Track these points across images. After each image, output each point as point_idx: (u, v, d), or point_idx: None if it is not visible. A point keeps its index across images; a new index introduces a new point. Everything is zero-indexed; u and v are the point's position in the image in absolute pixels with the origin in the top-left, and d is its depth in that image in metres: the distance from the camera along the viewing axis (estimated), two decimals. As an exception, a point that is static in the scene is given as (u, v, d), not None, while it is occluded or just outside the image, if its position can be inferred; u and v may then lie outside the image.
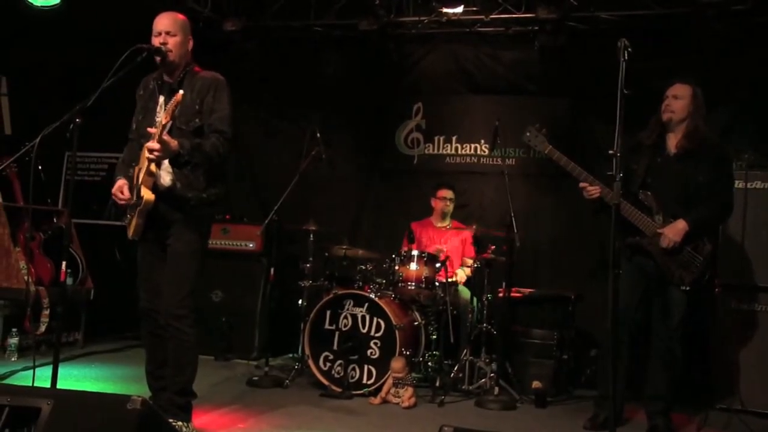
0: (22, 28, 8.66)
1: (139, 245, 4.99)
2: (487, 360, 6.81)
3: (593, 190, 5.46)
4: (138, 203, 4.68)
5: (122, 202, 4.81)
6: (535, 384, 6.69)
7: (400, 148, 8.93)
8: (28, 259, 7.37)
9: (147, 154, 4.51)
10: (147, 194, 4.64)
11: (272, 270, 7.39)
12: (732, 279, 6.49)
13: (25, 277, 7.17)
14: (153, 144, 4.43)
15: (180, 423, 4.72)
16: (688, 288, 5.38)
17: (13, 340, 7.11)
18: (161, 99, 4.87)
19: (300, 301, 7.28)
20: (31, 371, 4.72)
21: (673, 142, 5.55)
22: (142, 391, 4.97)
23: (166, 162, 4.64)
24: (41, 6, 7.70)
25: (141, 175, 4.68)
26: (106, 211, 9.38)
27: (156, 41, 4.77)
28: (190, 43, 4.92)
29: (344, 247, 7.30)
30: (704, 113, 5.59)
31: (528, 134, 5.79)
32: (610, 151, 4.42)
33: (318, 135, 7.34)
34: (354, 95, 8.98)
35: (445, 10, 7.96)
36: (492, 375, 6.61)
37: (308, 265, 7.30)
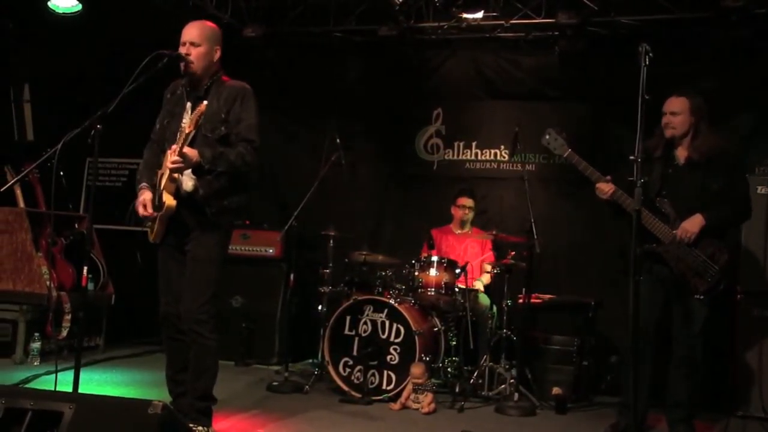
0: (44, 34, 8.73)
1: (159, 249, 5.01)
2: (507, 366, 6.79)
3: (606, 188, 5.44)
4: (159, 209, 4.72)
5: (145, 213, 4.84)
6: (555, 390, 6.66)
7: (419, 154, 8.93)
8: (50, 265, 7.41)
9: (169, 165, 4.56)
10: (169, 200, 4.68)
11: (292, 275, 7.41)
12: (753, 286, 6.45)
13: (47, 282, 7.22)
14: (174, 157, 4.50)
15: (201, 428, 4.74)
16: (702, 296, 5.33)
17: (36, 345, 7.16)
18: (188, 105, 4.88)
19: (320, 307, 7.28)
20: (53, 376, 4.74)
21: (682, 153, 5.51)
22: (163, 395, 4.98)
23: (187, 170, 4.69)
24: (63, 13, 7.76)
25: (163, 181, 4.72)
26: (127, 216, 9.43)
27: (180, 51, 4.79)
28: (218, 53, 4.90)
29: (364, 252, 7.30)
30: (708, 120, 5.52)
31: (547, 137, 5.77)
32: (631, 157, 4.40)
33: (338, 141, 7.34)
34: (374, 101, 8.99)
35: (464, 15, 7.95)
36: (512, 381, 6.59)
37: (328, 271, 7.31)
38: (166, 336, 5.04)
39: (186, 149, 4.52)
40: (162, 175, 4.79)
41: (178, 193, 4.74)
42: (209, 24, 4.97)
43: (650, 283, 5.39)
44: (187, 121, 4.73)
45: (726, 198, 5.39)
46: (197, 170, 4.66)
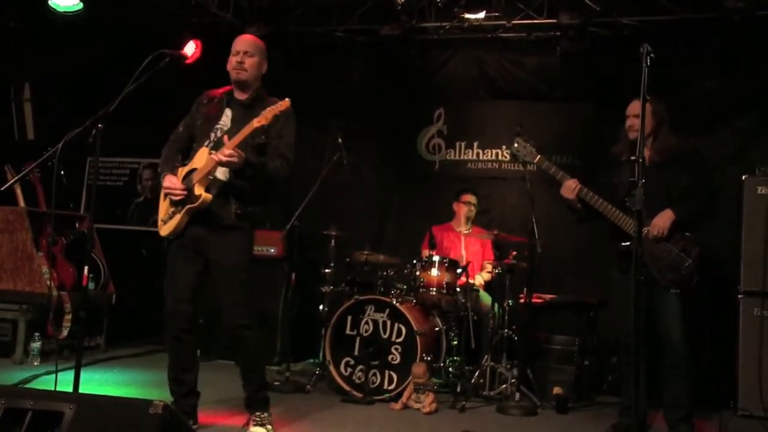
0: (45, 33, 8.73)
1: (171, 246, 5.04)
2: (508, 366, 6.78)
3: (573, 184, 5.55)
4: (193, 200, 4.78)
5: (178, 196, 4.86)
6: (557, 390, 6.66)
7: (421, 154, 8.94)
8: (50, 264, 7.42)
9: (221, 157, 4.62)
10: (204, 194, 4.77)
11: (293, 275, 7.42)
12: (753, 286, 6.45)
13: (48, 282, 7.22)
14: (232, 151, 4.61)
15: (265, 414, 5.04)
16: (678, 291, 5.38)
17: (36, 345, 7.15)
18: (228, 111, 5.01)
19: (321, 307, 7.28)
20: (54, 375, 4.74)
21: (646, 155, 5.55)
22: (164, 395, 4.97)
23: (224, 169, 4.78)
24: (64, 12, 7.76)
25: (198, 176, 4.79)
26: (128, 216, 9.44)
27: (233, 60, 4.96)
28: (264, 67, 5.10)
29: (365, 252, 7.30)
30: (669, 122, 5.59)
31: (516, 144, 5.84)
32: (632, 157, 4.40)
33: (340, 140, 7.35)
34: (376, 101, 8.98)
35: (467, 15, 7.96)
36: (513, 381, 6.58)
37: (329, 271, 7.30)
38: (170, 336, 5.04)
39: (240, 150, 4.66)
40: (192, 170, 4.87)
41: (209, 189, 4.83)
42: (259, 39, 5.17)
43: (629, 284, 5.41)
44: (234, 127, 4.88)
45: (693, 193, 5.47)
46: (239, 173, 4.77)
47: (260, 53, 5.04)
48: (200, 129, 5.03)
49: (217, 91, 5.13)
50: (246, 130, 4.66)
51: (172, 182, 4.89)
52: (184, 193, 4.83)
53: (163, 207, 5.04)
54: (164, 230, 5.00)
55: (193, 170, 4.86)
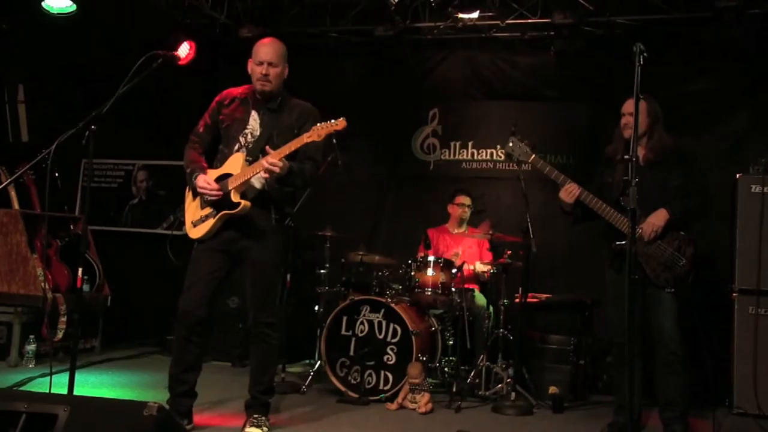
0: (38, 35, 8.71)
1: (199, 247, 5.06)
2: (504, 365, 6.79)
3: (575, 189, 5.53)
4: (231, 207, 4.83)
5: (214, 197, 4.88)
6: (552, 389, 6.66)
7: (416, 154, 8.94)
8: (45, 266, 7.40)
9: (267, 166, 4.66)
10: (244, 201, 4.82)
11: (289, 276, 7.40)
12: (748, 284, 6.46)
13: (43, 284, 7.21)
14: (276, 161, 4.65)
15: (264, 418, 5.08)
16: (672, 290, 5.40)
17: (31, 347, 7.14)
18: (255, 114, 5.04)
19: (316, 307, 7.29)
20: (48, 378, 4.72)
21: (640, 154, 5.58)
22: (159, 397, 4.94)
23: (260, 175, 4.82)
24: (58, 13, 7.74)
25: (235, 182, 4.82)
26: (123, 217, 9.43)
27: (257, 71, 4.96)
28: (287, 72, 5.11)
29: (360, 253, 7.31)
30: (662, 122, 5.60)
31: (510, 144, 5.83)
32: (626, 156, 4.41)
33: (334, 141, 7.33)
34: (370, 101, 8.97)
35: (461, 15, 7.95)
36: (509, 380, 6.59)
37: (324, 271, 7.32)
38: (178, 335, 5.04)
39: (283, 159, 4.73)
40: (226, 174, 4.90)
41: (245, 196, 4.88)
42: (281, 43, 5.13)
43: (623, 283, 5.42)
44: (257, 133, 4.99)
45: (686, 192, 5.49)
46: (281, 180, 4.85)
47: (283, 60, 5.04)
48: (226, 132, 5.07)
49: (237, 90, 5.16)
50: (296, 143, 4.73)
51: (207, 182, 4.89)
52: (220, 194, 4.86)
53: (193, 208, 5.07)
54: (195, 233, 5.02)
55: (226, 175, 4.89)
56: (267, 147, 4.81)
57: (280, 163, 4.67)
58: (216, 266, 5.00)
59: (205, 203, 4.97)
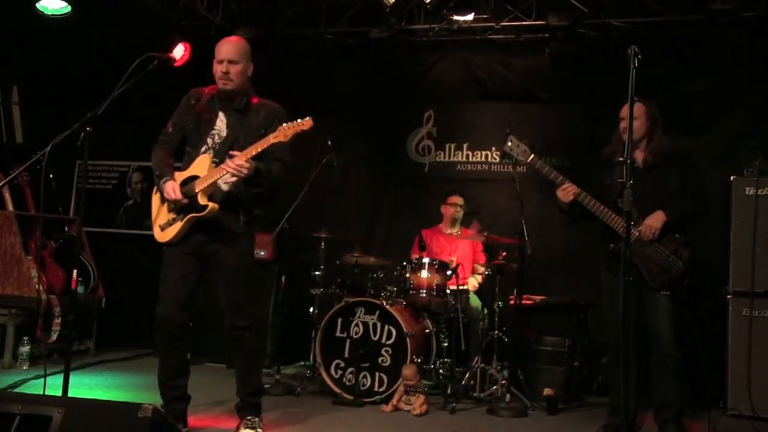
0: (33, 36, 8.70)
1: (169, 252, 5.03)
2: (499, 367, 6.79)
3: (572, 189, 5.53)
4: (198, 210, 4.78)
5: (180, 204, 4.85)
6: (547, 391, 6.66)
7: (411, 156, 8.95)
8: (39, 268, 7.39)
9: (231, 170, 4.63)
10: (211, 204, 4.77)
11: (284, 278, 7.41)
12: (743, 286, 6.47)
13: (37, 286, 7.19)
14: (243, 162, 4.62)
15: (257, 419, 5.05)
16: (668, 293, 5.40)
17: (25, 349, 7.14)
18: (222, 115, 4.98)
19: (311, 309, 7.28)
20: (43, 379, 4.73)
21: (639, 156, 5.60)
22: (154, 399, 4.96)
23: (227, 176, 4.75)
24: (52, 14, 7.74)
25: (202, 184, 4.77)
26: (118, 219, 9.42)
27: (218, 70, 4.88)
28: (251, 69, 5.03)
29: (355, 254, 7.30)
30: (662, 124, 5.61)
31: (509, 143, 5.79)
32: (620, 158, 4.42)
33: (329, 143, 7.34)
34: (365, 103, 8.98)
35: (455, 17, 7.95)
36: (503, 382, 6.59)
37: (319, 273, 7.31)
38: (161, 341, 5.01)
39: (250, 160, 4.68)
40: (192, 177, 4.85)
41: (212, 198, 4.82)
42: (243, 41, 5.08)
43: (619, 285, 5.44)
44: (224, 134, 4.92)
45: (685, 195, 5.49)
46: (248, 181, 4.78)
47: (244, 57, 4.95)
48: (193, 133, 5.00)
49: (205, 90, 5.07)
50: (262, 144, 4.67)
51: (174, 191, 4.84)
52: (186, 201, 4.82)
53: (161, 212, 5.01)
54: (163, 237, 4.97)
55: (193, 177, 4.84)
56: (232, 150, 4.75)
57: (247, 165, 4.63)
58: (188, 270, 4.95)
59: (171, 208, 4.92)
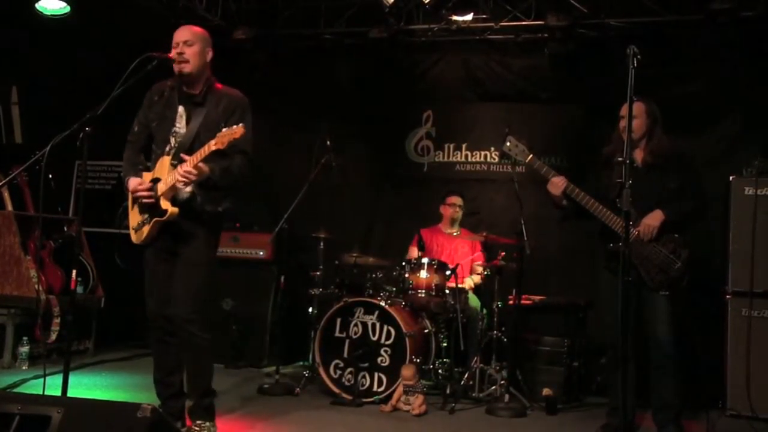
0: (32, 36, 8.70)
1: (147, 251, 5.03)
2: (498, 367, 6.79)
3: (559, 181, 5.57)
4: (160, 214, 4.74)
5: (146, 198, 4.81)
6: (546, 391, 6.67)
7: (410, 156, 8.94)
8: (38, 268, 7.39)
9: (179, 177, 4.59)
10: (171, 207, 4.72)
11: (283, 278, 7.42)
12: (742, 286, 6.47)
13: (36, 286, 7.19)
14: (190, 169, 4.56)
15: (207, 423, 4.89)
16: (667, 292, 5.41)
17: (24, 349, 7.14)
18: (181, 109, 4.91)
19: (310, 309, 7.27)
20: (42, 379, 4.72)
21: (639, 156, 5.60)
22: (152, 399, 4.97)
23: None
24: (51, 15, 7.74)
25: (162, 188, 4.74)
26: (117, 219, 9.40)
27: (174, 53, 4.79)
28: (209, 55, 4.93)
29: (354, 254, 7.30)
30: (661, 124, 5.61)
31: (508, 144, 5.79)
32: (619, 158, 4.42)
33: (328, 143, 7.34)
34: (364, 103, 8.99)
35: (454, 17, 7.95)
36: (502, 382, 6.59)
37: (318, 273, 7.30)
38: (153, 339, 5.04)
39: (200, 164, 4.60)
40: (157, 180, 4.80)
41: (175, 200, 4.78)
42: (198, 27, 4.99)
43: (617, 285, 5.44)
44: (183, 132, 4.85)
45: (683, 195, 5.49)
46: (202, 183, 4.73)
47: (201, 41, 4.87)
48: (157, 131, 4.96)
49: (167, 83, 5.01)
50: (203, 152, 4.56)
51: (138, 183, 4.84)
52: (151, 194, 4.78)
53: (133, 214, 5.01)
54: (137, 238, 4.99)
55: (157, 179, 4.81)
56: (194, 149, 4.68)
57: (195, 171, 4.56)
58: (167, 266, 4.93)
59: (141, 209, 4.91)
